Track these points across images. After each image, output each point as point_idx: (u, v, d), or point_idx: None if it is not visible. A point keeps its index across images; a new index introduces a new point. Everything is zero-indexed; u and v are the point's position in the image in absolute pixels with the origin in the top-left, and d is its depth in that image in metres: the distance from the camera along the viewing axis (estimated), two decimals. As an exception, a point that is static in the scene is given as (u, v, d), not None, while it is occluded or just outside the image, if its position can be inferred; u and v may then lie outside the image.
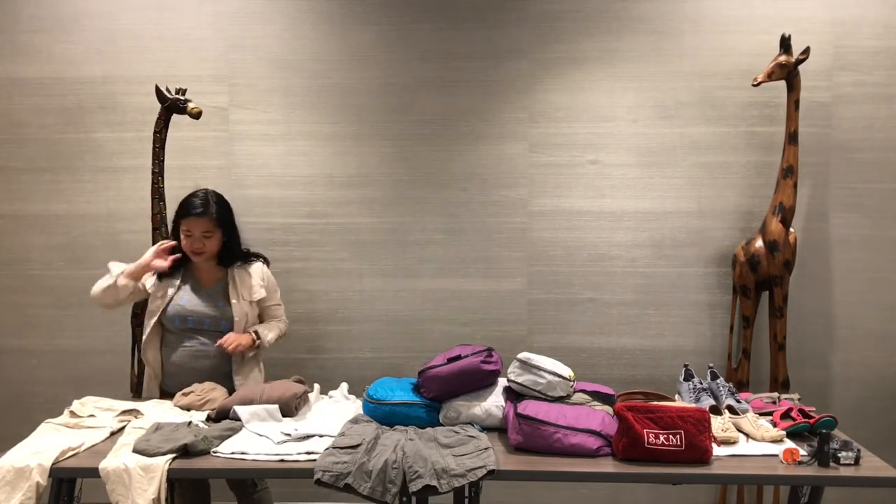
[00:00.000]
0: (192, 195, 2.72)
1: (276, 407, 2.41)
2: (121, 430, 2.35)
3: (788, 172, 3.06)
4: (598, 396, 2.43)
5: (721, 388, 2.57)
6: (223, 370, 2.73)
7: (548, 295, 3.42)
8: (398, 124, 3.37)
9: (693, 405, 2.42)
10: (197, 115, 2.95)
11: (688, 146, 3.34)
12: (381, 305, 3.43)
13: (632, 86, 3.33)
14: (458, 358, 2.42)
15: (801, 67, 3.05)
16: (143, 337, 2.74)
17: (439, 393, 2.39)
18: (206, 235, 2.69)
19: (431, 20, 3.33)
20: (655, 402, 2.40)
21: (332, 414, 2.50)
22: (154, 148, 3.00)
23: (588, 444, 2.16)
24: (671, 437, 2.08)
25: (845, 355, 3.39)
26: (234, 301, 2.73)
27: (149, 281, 2.75)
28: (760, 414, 2.47)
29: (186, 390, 2.61)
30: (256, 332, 2.74)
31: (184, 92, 3.01)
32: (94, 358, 3.45)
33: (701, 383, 2.63)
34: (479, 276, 3.42)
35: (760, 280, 3.16)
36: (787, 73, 3.02)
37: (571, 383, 2.41)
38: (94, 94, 3.37)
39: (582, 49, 3.32)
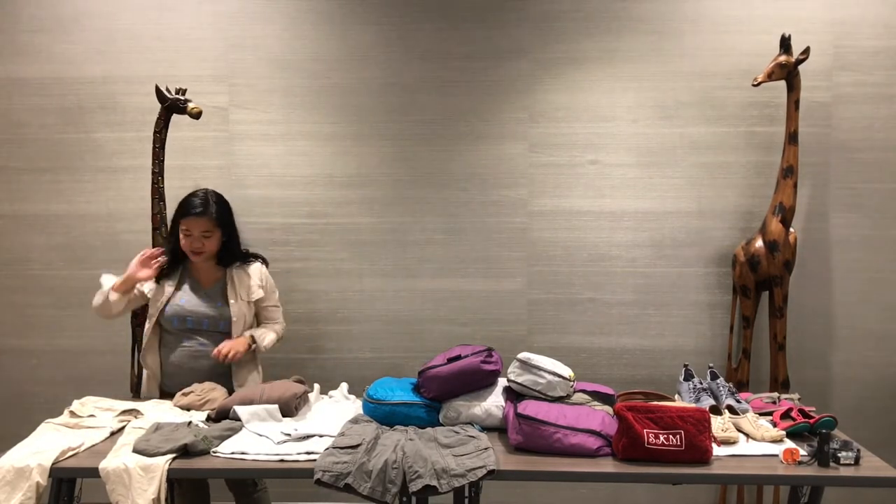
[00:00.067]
0: (192, 195, 2.72)
1: (276, 407, 2.41)
2: (121, 430, 2.35)
3: (788, 172, 3.06)
4: (598, 396, 2.43)
5: (721, 388, 2.57)
6: (222, 370, 2.72)
7: (548, 295, 3.42)
8: (398, 124, 3.37)
9: (693, 405, 2.41)
10: (197, 115, 2.95)
11: (688, 146, 3.34)
12: (381, 305, 3.43)
13: (632, 86, 3.33)
14: (458, 358, 2.42)
15: (801, 67, 3.05)
16: (144, 339, 2.74)
17: (439, 393, 2.39)
18: (206, 235, 2.69)
19: (431, 20, 3.33)
20: (655, 402, 2.39)
21: (332, 414, 2.50)
22: (154, 148, 3.00)
23: (588, 444, 2.16)
24: (671, 437, 2.08)
25: (845, 355, 3.39)
26: (231, 301, 2.73)
27: (147, 285, 2.74)
28: (760, 414, 2.47)
29: (186, 390, 2.61)
30: (252, 337, 2.73)
31: (184, 92, 3.01)
32: (94, 358, 3.45)
33: (701, 383, 2.63)
34: (479, 276, 3.42)
35: (760, 280, 3.16)
36: (787, 73, 3.02)
37: (571, 383, 2.41)
38: (94, 94, 3.37)
39: (582, 49, 3.32)
